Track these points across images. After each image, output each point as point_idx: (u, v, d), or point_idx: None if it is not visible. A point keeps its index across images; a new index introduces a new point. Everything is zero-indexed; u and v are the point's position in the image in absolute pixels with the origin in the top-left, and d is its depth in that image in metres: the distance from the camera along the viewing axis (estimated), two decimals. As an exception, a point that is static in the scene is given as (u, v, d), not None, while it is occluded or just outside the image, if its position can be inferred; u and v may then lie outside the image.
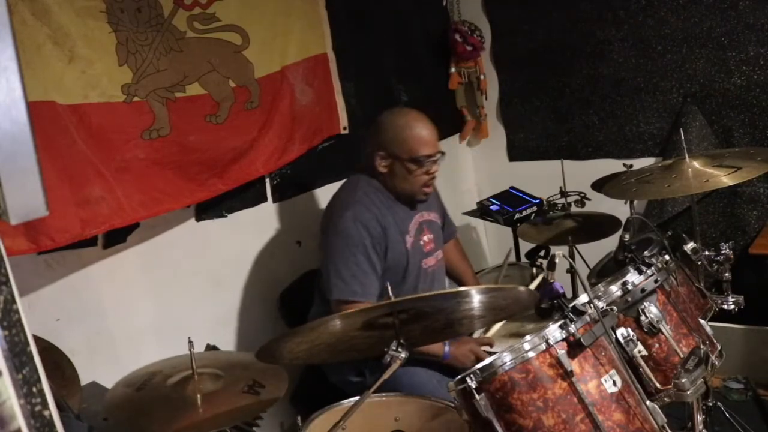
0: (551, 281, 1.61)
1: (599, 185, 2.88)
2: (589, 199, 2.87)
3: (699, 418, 1.83)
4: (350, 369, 2.35)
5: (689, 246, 2.06)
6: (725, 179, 2.04)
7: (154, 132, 2.18)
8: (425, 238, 2.42)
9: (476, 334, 2.35)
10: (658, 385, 1.68)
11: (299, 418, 1.82)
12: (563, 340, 1.48)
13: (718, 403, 2.33)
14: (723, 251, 2.09)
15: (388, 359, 1.54)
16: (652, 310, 1.72)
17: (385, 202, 2.33)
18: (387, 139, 2.30)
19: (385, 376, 1.55)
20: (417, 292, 2.34)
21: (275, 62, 2.58)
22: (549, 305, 1.57)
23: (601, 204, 2.79)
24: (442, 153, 2.34)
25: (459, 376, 1.52)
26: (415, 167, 2.28)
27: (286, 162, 2.64)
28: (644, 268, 1.78)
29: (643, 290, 1.75)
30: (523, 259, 3.04)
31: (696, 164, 2.16)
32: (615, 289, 1.76)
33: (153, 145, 2.17)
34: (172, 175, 2.24)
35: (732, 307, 2.06)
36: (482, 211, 3.27)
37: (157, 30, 2.18)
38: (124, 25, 2.08)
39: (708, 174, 2.11)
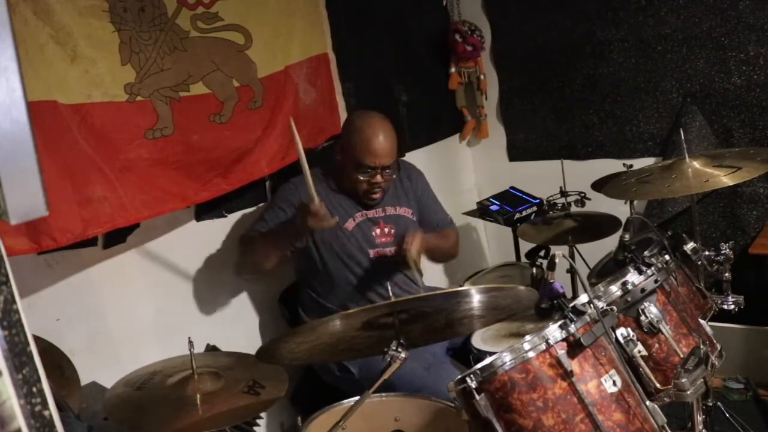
0: (551, 281, 1.61)
1: (599, 185, 2.88)
2: (589, 199, 2.87)
3: (699, 418, 1.83)
4: (334, 365, 2.40)
5: (689, 246, 2.06)
6: (725, 179, 2.04)
7: (158, 131, 2.18)
8: (380, 230, 2.52)
9: (477, 332, 2.36)
10: (658, 385, 1.68)
11: (299, 418, 1.82)
12: (563, 340, 1.48)
13: (718, 403, 2.33)
14: (723, 251, 2.09)
15: (388, 359, 1.55)
16: (652, 310, 1.72)
17: (336, 187, 2.49)
18: (345, 136, 2.47)
19: (385, 376, 1.55)
20: (367, 279, 2.47)
21: (278, 62, 2.59)
22: (549, 305, 1.57)
23: (601, 204, 2.78)
24: (387, 168, 2.41)
25: (459, 376, 1.52)
26: (357, 171, 2.40)
27: (290, 162, 2.63)
28: (644, 268, 1.78)
29: (643, 290, 1.75)
30: (523, 259, 3.04)
31: (696, 164, 2.16)
32: (615, 289, 1.76)
33: (156, 145, 2.17)
34: (176, 175, 2.24)
35: (732, 307, 2.06)
36: (482, 211, 3.27)
37: (160, 29, 2.18)
38: (127, 24, 2.08)
39: (708, 174, 2.11)
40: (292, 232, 2.35)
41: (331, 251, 2.45)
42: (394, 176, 2.49)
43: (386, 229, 2.53)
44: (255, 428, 2.49)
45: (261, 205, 2.68)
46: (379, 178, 2.41)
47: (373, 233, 2.50)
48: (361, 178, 2.41)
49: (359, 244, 2.47)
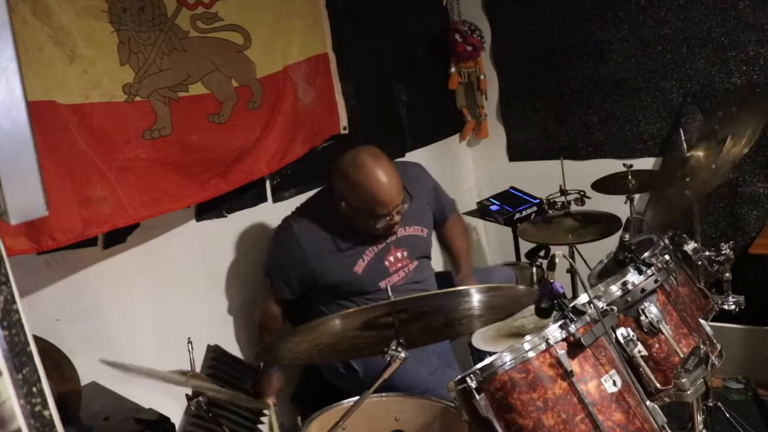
0: (551, 281, 1.61)
1: (599, 185, 2.88)
2: (588, 198, 2.87)
3: (699, 418, 1.83)
4: (339, 362, 2.38)
5: (689, 246, 2.06)
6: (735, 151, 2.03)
7: (156, 132, 2.18)
8: (393, 256, 2.42)
9: (477, 332, 2.36)
10: (658, 385, 1.68)
11: (299, 418, 1.82)
12: (563, 340, 1.48)
13: (718, 403, 2.33)
14: (723, 251, 2.09)
15: (388, 359, 1.55)
16: (652, 310, 1.72)
17: (338, 229, 2.34)
18: (345, 191, 2.28)
19: (385, 376, 1.55)
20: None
21: (277, 62, 2.58)
22: (549, 305, 1.57)
23: (601, 203, 2.79)
24: (401, 203, 2.28)
25: (459, 376, 1.52)
26: (373, 222, 2.28)
27: (288, 162, 2.64)
28: (644, 268, 1.78)
29: (643, 290, 1.75)
30: (523, 259, 3.04)
31: (699, 154, 2.16)
32: (615, 289, 1.76)
33: (155, 145, 2.17)
34: (174, 175, 2.23)
35: (732, 307, 2.06)
36: (482, 211, 3.27)
37: (160, 29, 2.18)
38: (126, 24, 2.08)
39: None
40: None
41: (342, 293, 2.40)
42: (407, 205, 2.33)
43: (399, 254, 2.44)
44: (255, 428, 2.48)
45: (261, 205, 2.68)
46: (396, 217, 2.29)
47: (386, 262, 2.41)
48: (379, 225, 2.28)
49: (369, 282, 2.39)
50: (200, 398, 1.72)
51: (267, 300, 2.47)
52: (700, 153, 2.15)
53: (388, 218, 2.27)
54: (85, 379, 1.96)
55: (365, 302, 2.39)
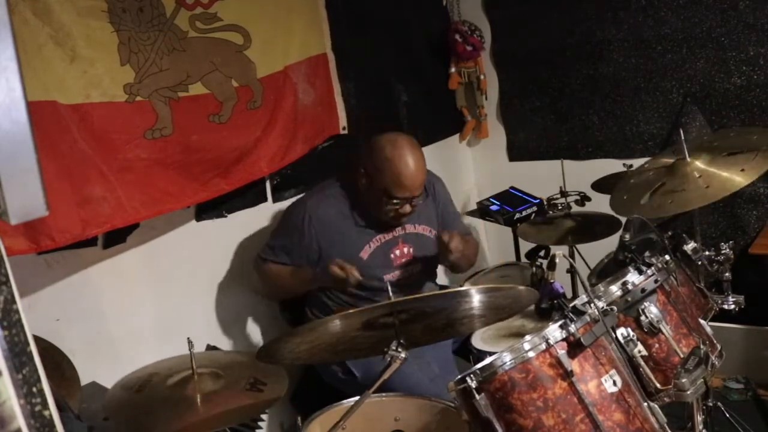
0: (551, 281, 1.61)
1: (599, 185, 2.88)
2: (589, 199, 2.87)
3: (699, 418, 1.83)
4: (337, 367, 2.39)
5: (689, 246, 2.06)
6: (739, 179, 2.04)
7: (157, 132, 2.18)
8: (399, 251, 2.46)
9: (477, 332, 2.36)
10: (658, 385, 1.68)
11: (299, 418, 1.82)
12: (563, 340, 1.48)
13: (718, 403, 2.33)
14: (723, 251, 2.08)
15: (389, 359, 1.54)
16: (652, 310, 1.72)
17: (351, 210, 2.41)
18: (371, 163, 2.34)
19: (385, 376, 1.55)
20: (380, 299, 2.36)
21: (277, 62, 2.59)
22: (549, 305, 1.57)
23: (601, 204, 2.78)
24: (418, 196, 2.35)
25: (459, 376, 1.52)
26: (385, 201, 2.32)
27: (289, 162, 2.64)
28: (644, 268, 1.78)
29: (643, 290, 1.75)
30: (523, 259, 3.04)
31: (700, 164, 2.17)
32: (615, 289, 1.76)
33: (156, 145, 2.17)
34: (175, 175, 2.23)
35: (732, 307, 2.06)
36: (482, 211, 3.27)
37: (159, 29, 2.18)
38: (126, 24, 2.08)
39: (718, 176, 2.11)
40: (311, 280, 2.39)
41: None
42: (421, 201, 2.41)
43: (405, 249, 2.47)
44: (256, 429, 2.48)
45: (261, 205, 2.68)
46: (407, 207, 2.34)
47: (392, 255, 2.44)
48: (389, 207, 2.32)
49: (374, 272, 2.40)
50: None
51: (265, 268, 2.48)
52: (700, 163, 2.15)
53: (399, 205, 2.32)
54: (85, 379, 1.96)
55: (364, 300, 2.39)
